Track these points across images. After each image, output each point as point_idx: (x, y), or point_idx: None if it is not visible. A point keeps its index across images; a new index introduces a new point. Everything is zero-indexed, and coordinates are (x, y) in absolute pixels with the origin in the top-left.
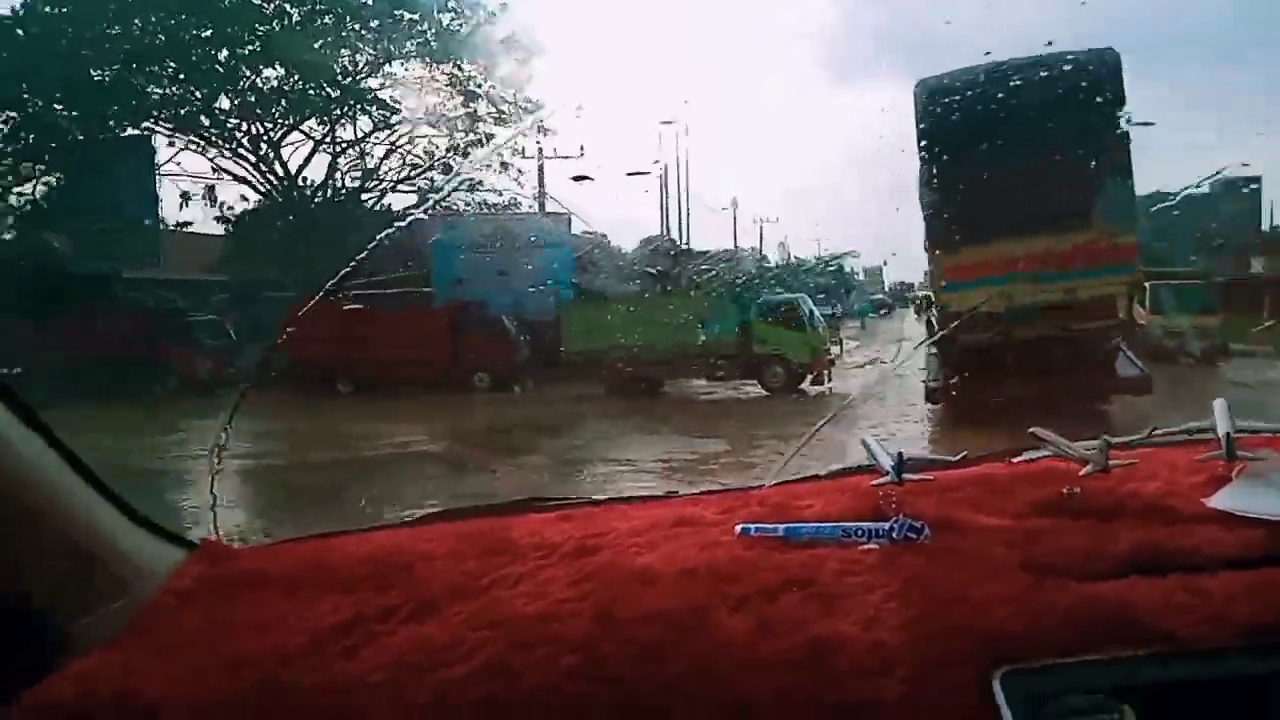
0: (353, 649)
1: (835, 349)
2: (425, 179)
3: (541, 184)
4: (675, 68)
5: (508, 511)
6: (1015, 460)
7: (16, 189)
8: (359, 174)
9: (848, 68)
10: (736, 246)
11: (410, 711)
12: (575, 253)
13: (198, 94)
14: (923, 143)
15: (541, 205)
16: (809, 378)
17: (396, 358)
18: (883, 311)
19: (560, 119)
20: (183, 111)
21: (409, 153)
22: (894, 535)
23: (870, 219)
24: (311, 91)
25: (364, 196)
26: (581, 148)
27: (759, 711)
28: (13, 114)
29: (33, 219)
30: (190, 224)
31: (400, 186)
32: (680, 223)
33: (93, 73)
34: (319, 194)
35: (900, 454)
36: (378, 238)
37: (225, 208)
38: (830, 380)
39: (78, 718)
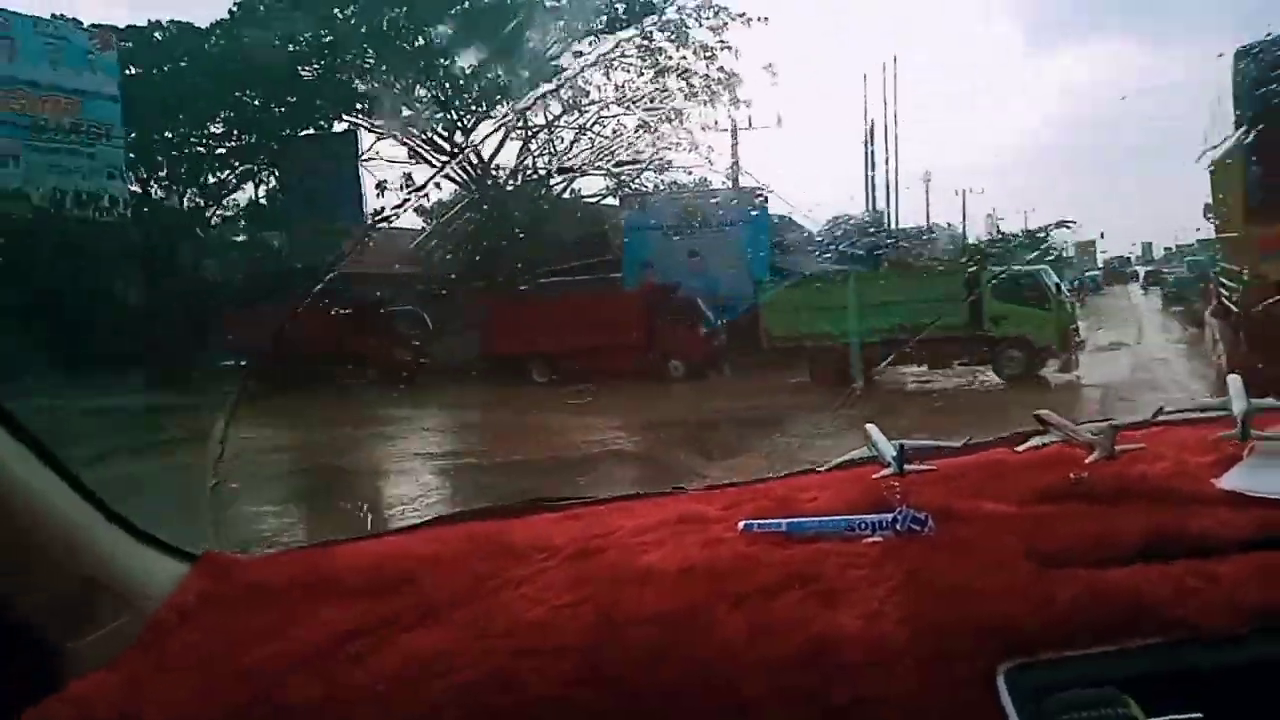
0: (356, 659)
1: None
2: (614, 160)
3: (735, 158)
4: (871, 34)
5: (513, 513)
6: (1021, 448)
7: (234, 189)
8: (549, 158)
9: (1052, 29)
10: (931, 221)
11: None
12: (771, 232)
13: (396, 84)
14: (1245, 111)
15: (735, 181)
16: (1053, 362)
17: (591, 345)
18: (1099, 287)
19: (754, 89)
20: (383, 103)
21: (598, 135)
22: (897, 527)
23: (1079, 190)
24: (503, 75)
25: (553, 181)
26: (779, 118)
27: (761, 711)
28: (230, 113)
29: (251, 217)
30: (389, 215)
31: (591, 169)
32: (877, 197)
33: (301, 70)
34: (510, 181)
35: (902, 444)
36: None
37: (421, 197)
38: (1077, 366)
39: None
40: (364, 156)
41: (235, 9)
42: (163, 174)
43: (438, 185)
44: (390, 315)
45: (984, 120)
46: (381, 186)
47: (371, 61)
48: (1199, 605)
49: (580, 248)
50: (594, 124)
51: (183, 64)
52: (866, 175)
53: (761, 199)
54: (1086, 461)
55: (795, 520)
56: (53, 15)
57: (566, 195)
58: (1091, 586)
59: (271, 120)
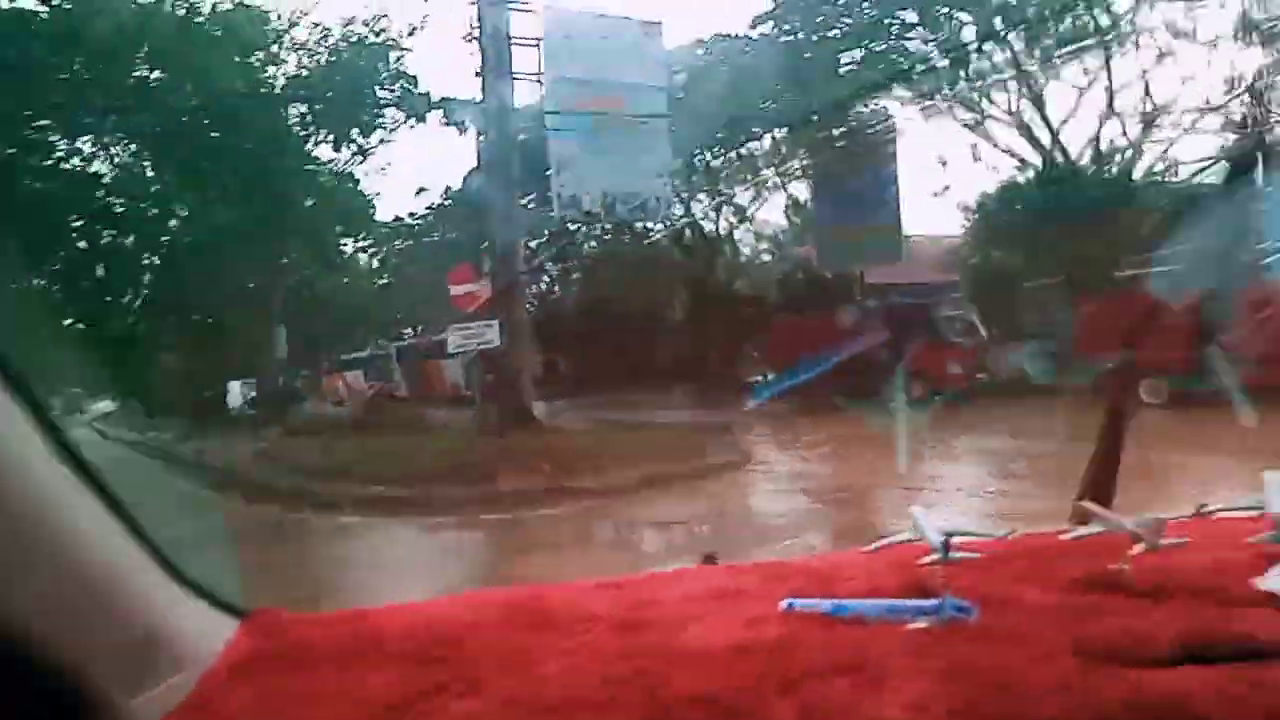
0: None
1: None
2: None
3: None
4: None
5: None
6: (1065, 537)
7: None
8: (1135, 122)
9: None
10: None
11: None
12: None
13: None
14: None
15: None
16: None
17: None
18: None
19: None
20: (921, 85)
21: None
22: (941, 615)
23: None
24: (1080, 20)
25: (1131, 152)
26: None
27: None
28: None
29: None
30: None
31: (1191, 130)
32: None
33: (841, 60)
34: (1087, 152)
35: (948, 532)
36: None
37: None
38: None
39: None
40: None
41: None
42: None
43: (994, 167)
44: (938, 321)
45: None
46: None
47: (917, 36)
48: (1245, 712)
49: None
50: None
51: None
52: None
53: None
54: (1130, 553)
55: (839, 601)
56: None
57: (1157, 167)
58: (1139, 688)
59: (807, 113)
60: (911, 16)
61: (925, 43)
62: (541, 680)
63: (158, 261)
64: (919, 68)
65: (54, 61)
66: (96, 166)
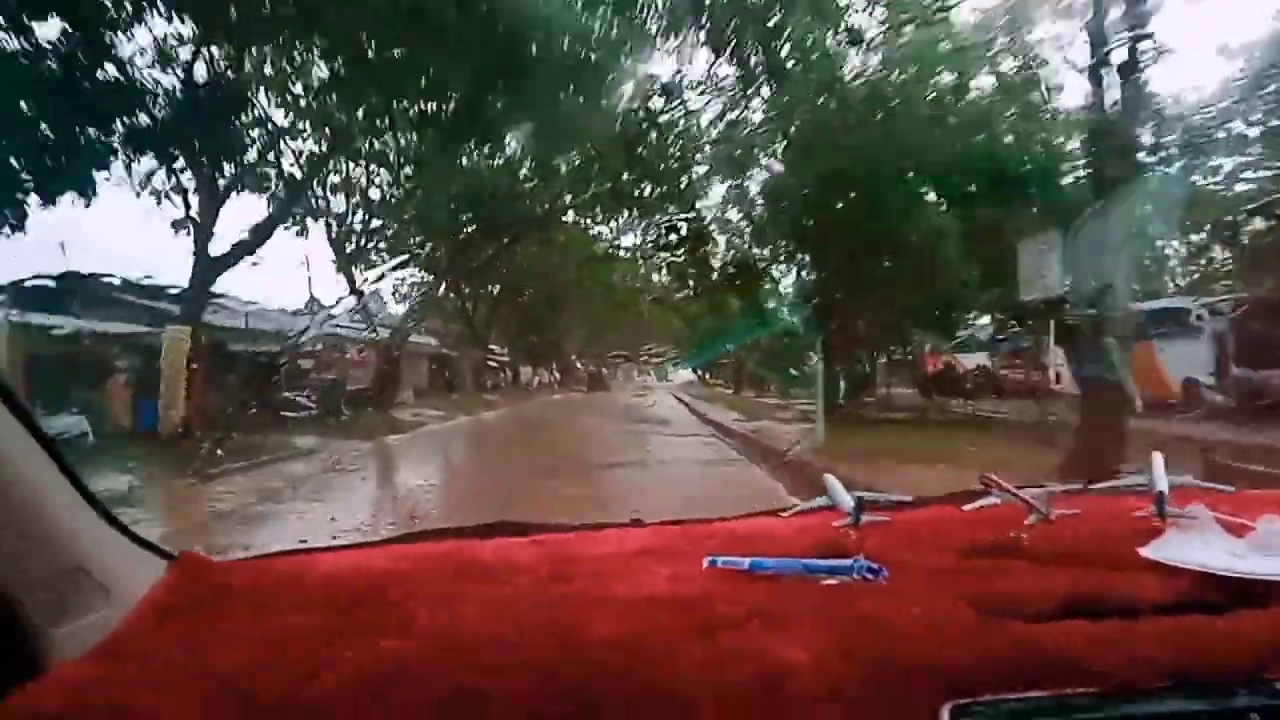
0: (325, 664)
1: None
2: None
3: None
4: None
5: (479, 534)
6: (968, 507)
7: None
8: None
9: None
10: None
11: None
12: None
13: None
14: None
15: None
16: None
17: None
18: None
19: None
20: None
21: None
22: (853, 574)
23: None
24: None
25: None
26: None
27: None
28: None
29: None
30: None
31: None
32: None
33: None
34: None
35: (860, 496)
36: None
37: None
38: None
39: None
40: None
41: None
42: None
43: None
44: None
45: None
46: None
47: None
48: (1121, 661)
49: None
50: None
51: None
52: None
53: None
54: (1025, 523)
55: (758, 559)
56: None
57: None
58: (1025, 638)
59: None
60: None
61: None
62: (464, 623)
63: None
64: None
65: None
66: None
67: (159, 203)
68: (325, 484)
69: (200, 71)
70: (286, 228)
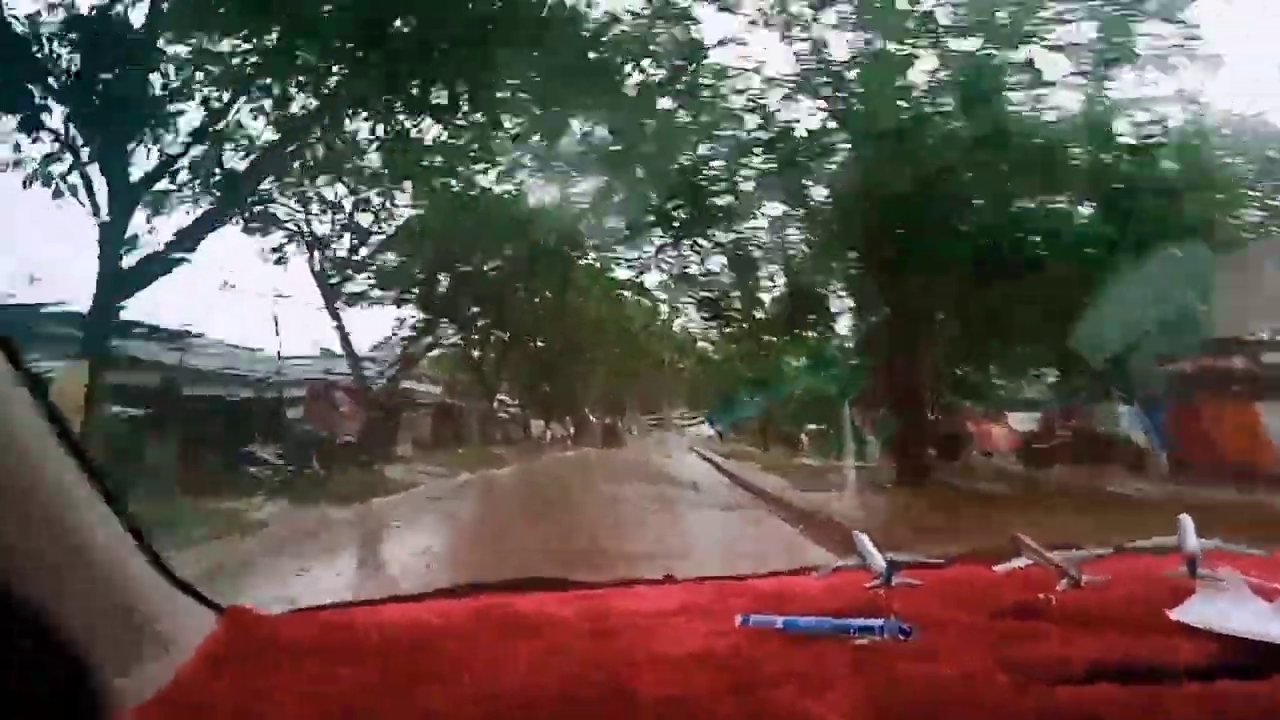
0: (374, 716)
1: None
2: None
3: None
4: None
5: (513, 587)
6: (998, 568)
7: None
8: None
9: None
10: None
11: None
12: None
13: None
14: None
15: None
16: None
17: None
18: None
19: None
20: None
21: None
22: (885, 633)
23: None
24: None
25: None
26: None
27: None
28: None
29: None
30: None
31: None
32: None
33: None
34: None
35: (891, 558)
36: None
37: None
38: None
39: None
40: None
41: None
42: None
43: None
44: None
45: None
46: None
47: None
48: None
49: None
50: None
51: None
52: None
53: None
54: (1056, 588)
55: (791, 618)
56: None
57: None
58: (1056, 703)
59: None
60: None
61: None
62: (511, 678)
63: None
64: None
65: None
66: None
67: (56, 193)
68: (254, 570)
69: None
70: (276, 260)
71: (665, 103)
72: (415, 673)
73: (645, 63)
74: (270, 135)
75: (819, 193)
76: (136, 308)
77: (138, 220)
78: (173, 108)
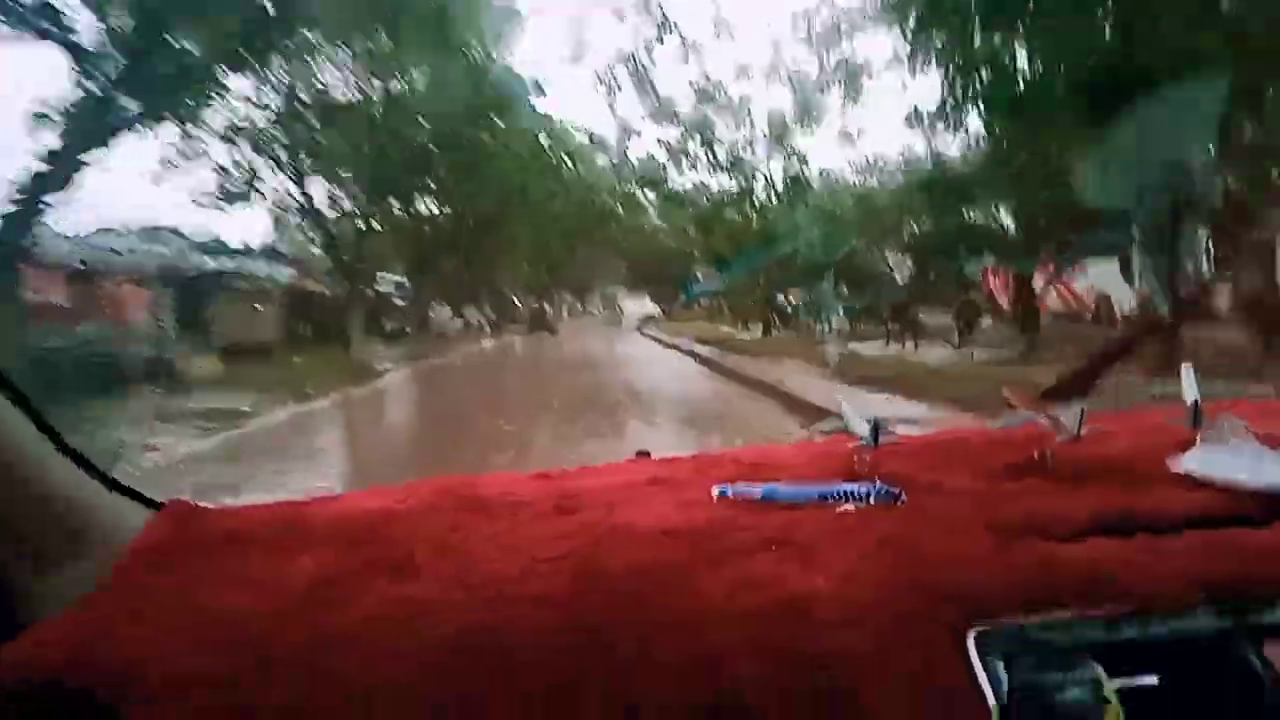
0: (335, 604)
1: None
2: None
3: None
4: None
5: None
6: (991, 425)
7: None
8: None
9: None
10: None
11: (396, 667)
12: None
13: None
14: None
15: None
16: None
17: None
18: None
19: None
20: None
21: None
22: (871, 499)
23: None
24: None
25: None
26: None
27: (735, 660)
28: None
29: None
30: None
31: None
32: None
33: None
34: None
35: (875, 419)
36: None
37: None
38: None
39: (55, 678)
40: None
41: None
42: None
43: None
44: None
45: None
46: None
47: None
48: (1149, 577)
49: None
50: None
51: None
52: None
53: None
54: (1054, 442)
55: (770, 487)
56: None
57: None
58: (1050, 558)
59: None
60: None
61: None
62: (473, 560)
63: None
64: None
65: None
66: None
67: None
68: None
69: None
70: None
71: None
72: (374, 559)
73: None
74: None
75: None
76: None
77: None
78: None
